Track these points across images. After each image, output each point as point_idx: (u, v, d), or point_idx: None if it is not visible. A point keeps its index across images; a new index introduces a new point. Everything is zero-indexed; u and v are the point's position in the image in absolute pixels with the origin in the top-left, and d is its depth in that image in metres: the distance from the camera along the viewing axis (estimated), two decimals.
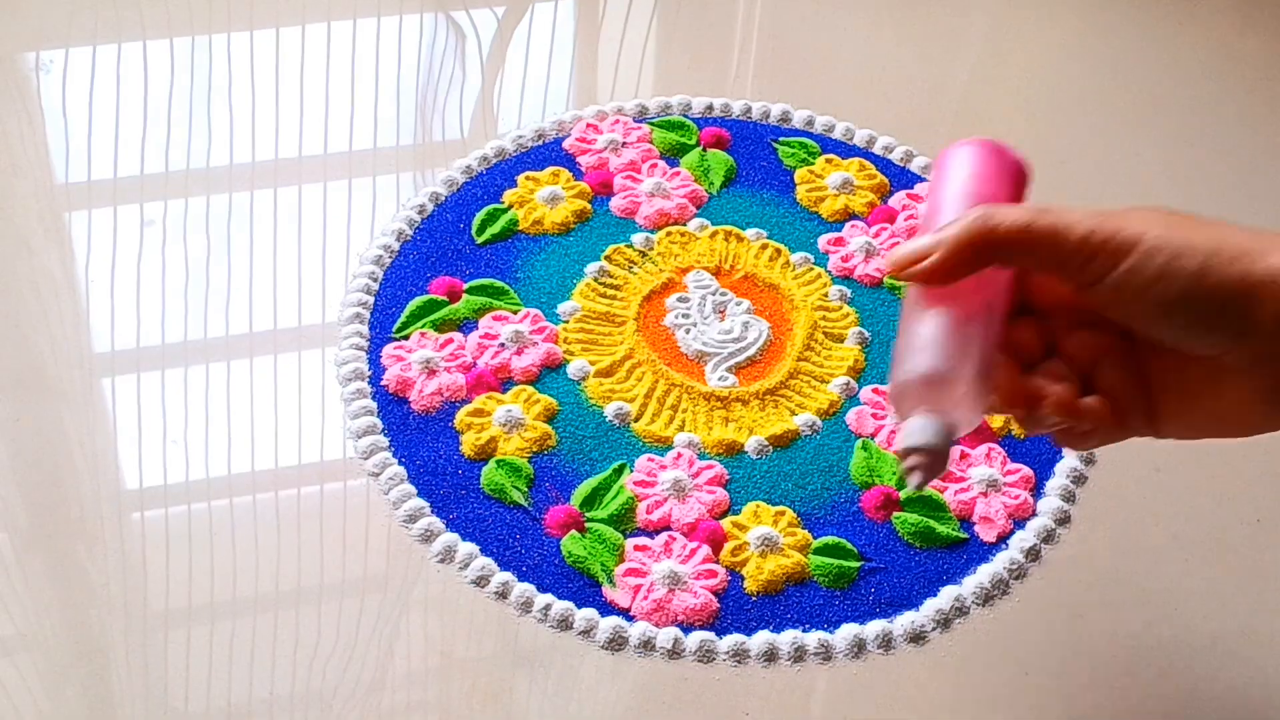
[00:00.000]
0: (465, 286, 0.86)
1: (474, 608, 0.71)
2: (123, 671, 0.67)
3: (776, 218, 0.92)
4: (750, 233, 0.90)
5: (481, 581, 0.71)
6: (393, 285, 0.86)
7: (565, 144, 0.96)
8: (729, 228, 0.91)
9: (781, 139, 0.97)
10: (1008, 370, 0.54)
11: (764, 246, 0.90)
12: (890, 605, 0.72)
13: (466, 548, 0.73)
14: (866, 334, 0.85)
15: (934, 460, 0.51)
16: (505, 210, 0.91)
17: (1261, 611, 0.72)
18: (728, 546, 0.74)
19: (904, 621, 0.71)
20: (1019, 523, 0.76)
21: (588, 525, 0.74)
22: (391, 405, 0.79)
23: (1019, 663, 0.70)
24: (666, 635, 0.70)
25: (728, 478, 0.77)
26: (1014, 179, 0.57)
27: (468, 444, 0.77)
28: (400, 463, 0.77)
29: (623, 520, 0.75)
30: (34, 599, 0.70)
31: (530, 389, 0.80)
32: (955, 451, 0.58)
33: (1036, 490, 0.78)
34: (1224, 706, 0.68)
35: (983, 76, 1.07)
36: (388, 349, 0.82)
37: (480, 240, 0.89)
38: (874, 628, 0.71)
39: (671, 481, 0.76)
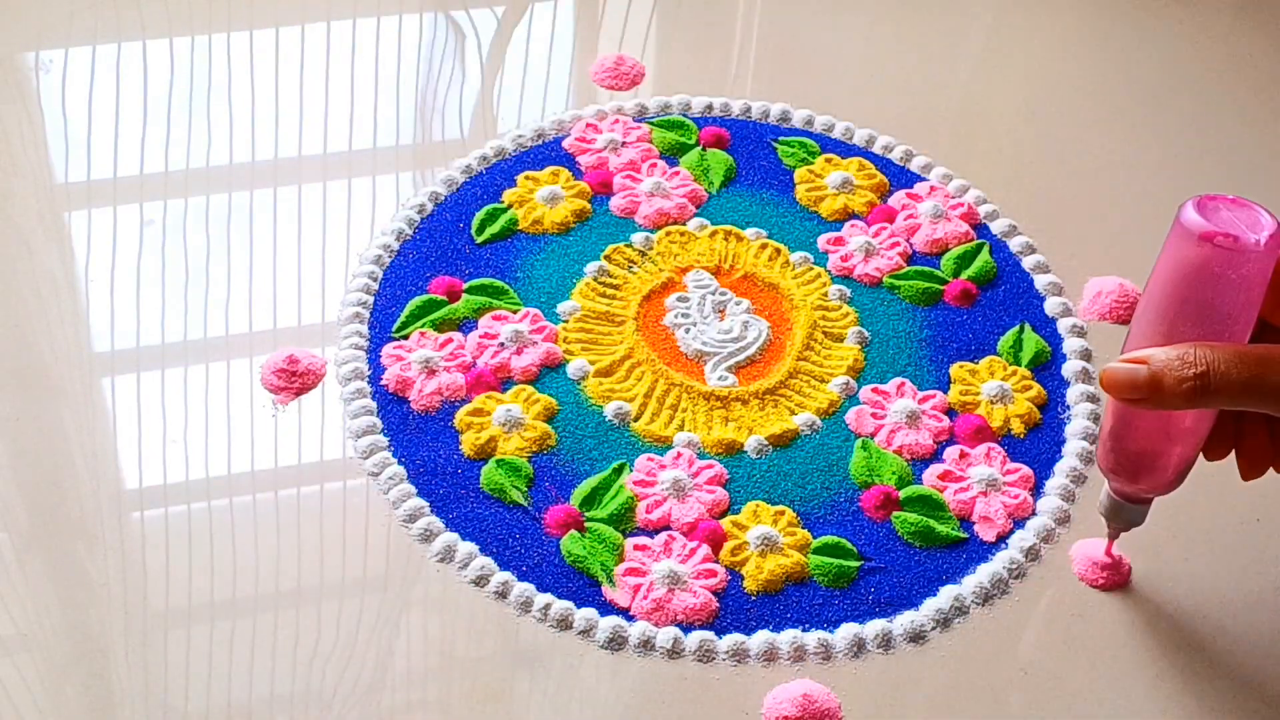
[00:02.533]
0: (465, 286, 0.86)
1: (474, 608, 0.71)
2: (123, 671, 0.67)
3: (776, 217, 0.92)
4: (750, 232, 0.91)
5: (481, 581, 0.72)
6: (392, 285, 0.86)
7: (565, 144, 0.96)
8: (728, 227, 0.91)
9: (781, 138, 0.97)
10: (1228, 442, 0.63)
11: (763, 246, 0.90)
12: (890, 605, 0.72)
13: (466, 547, 0.73)
14: (866, 333, 0.85)
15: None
16: (505, 210, 0.91)
17: (1262, 611, 0.72)
18: (727, 546, 0.74)
19: (903, 621, 0.71)
20: (1019, 522, 0.76)
21: (587, 525, 0.74)
22: (391, 405, 0.79)
23: (1018, 662, 0.70)
24: (666, 635, 0.70)
25: (727, 477, 0.77)
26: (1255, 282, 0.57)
27: (467, 444, 0.77)
28: (400, 462, 0.77)
29: (622, 520, 0.75)
30: (34, 599, 0.70)
31: (530, 388, 0.80)
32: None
33: (1036, 490, 0.78)
34: (1224, 707, 0.68)
35: (983, 76, 1.07)
36: (387, 349, 0.82)
37: (480, 240, 0.89)
38: (873, 627, 0.71)
39: (671, 481, 0.76)
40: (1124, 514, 0.67)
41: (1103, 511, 0.68)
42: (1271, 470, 0.62)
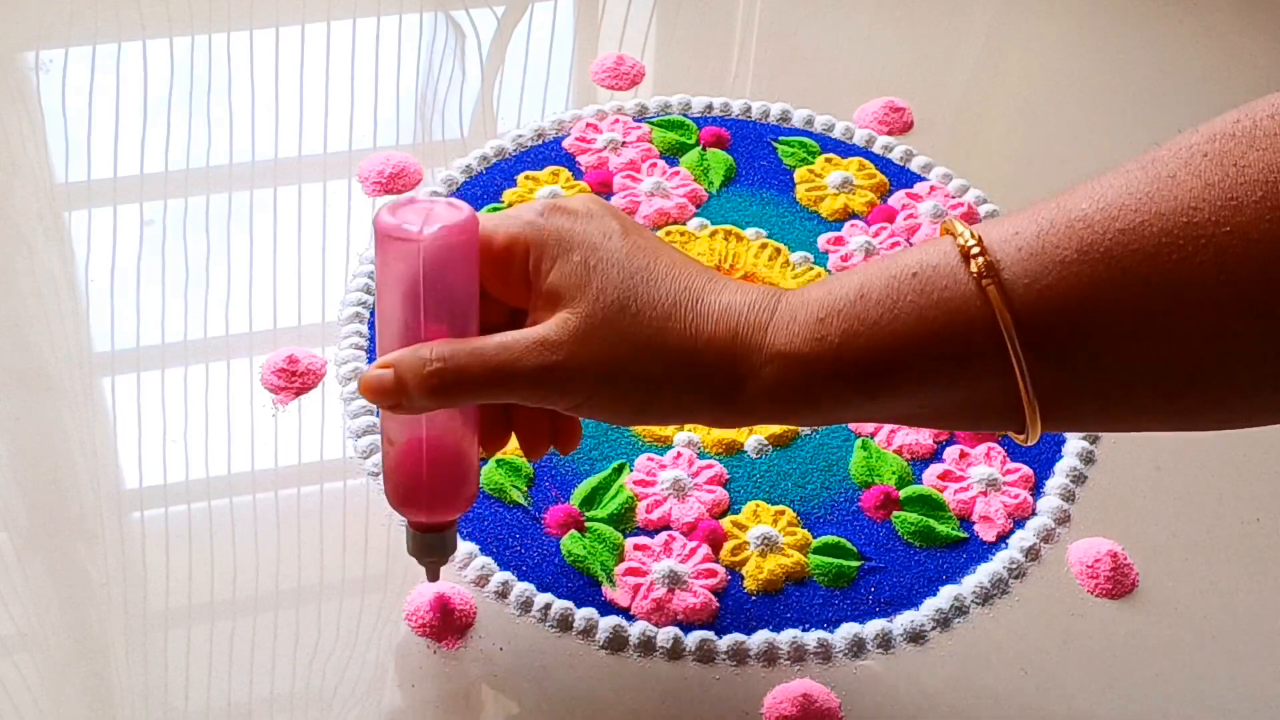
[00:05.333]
0: None
1: (474, 608, 0.71)
2: (123, 671, 0.67)
3: (776, 217, 0.92)
4: (750, 232, 0.91)
5: (481, 581, 0.72)
6: None
7: (565, 143, 0.96)
8: (729, 227, 0.91)
9: (781, 138, 0.97)
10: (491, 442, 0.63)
11: (764, 246, 0.90)
12: (890, 605, 0.72)
13: (466, 547, 0.73)
14: None
15: (442, 558, 0.64)
16: (505, 210, 0.91)
17: (1262, 611, 0.72)
18: (727, 546, 0.74)
19: (903, 621, 0.71)
20: (1019, 522, 0.76)
21: (587, 525, 0.74)
22: None
23: (1018, 662, 0.70)
24: (666, 635, 0.70)
25: (727, 477, 0.77)
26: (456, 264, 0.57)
27: None
28: None
29: (622, 520, 0.75)
30: (34, 599, 0.70)
31: None
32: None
33: (1036, 489, 0.78)
34: (1223, 706, 0.68)
35: (982, 76, 1.07)
36: None
37: None
38: (873, 627, 0.71)
39: (671, 481, 0.76)
40: (440, 545, 0.63)
41: (412, 552, 0.63)
42: None
